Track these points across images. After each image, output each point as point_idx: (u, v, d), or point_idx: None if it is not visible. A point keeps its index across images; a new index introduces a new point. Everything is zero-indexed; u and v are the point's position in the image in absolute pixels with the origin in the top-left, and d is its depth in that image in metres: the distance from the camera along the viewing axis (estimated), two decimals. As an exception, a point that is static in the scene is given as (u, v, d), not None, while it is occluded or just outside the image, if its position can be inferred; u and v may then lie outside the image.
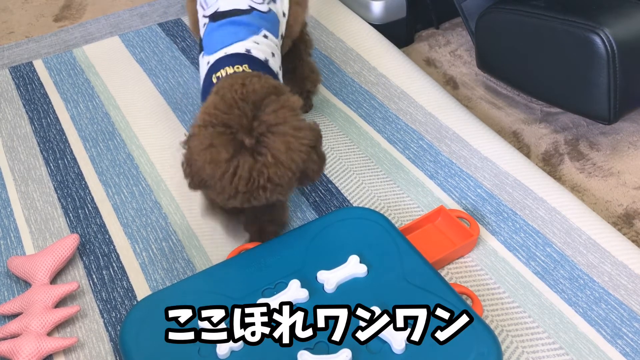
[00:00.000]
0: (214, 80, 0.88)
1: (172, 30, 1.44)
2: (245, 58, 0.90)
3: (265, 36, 0.95)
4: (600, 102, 1.05)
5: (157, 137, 1.15)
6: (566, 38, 1.06)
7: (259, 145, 0.76)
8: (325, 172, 1.06)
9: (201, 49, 0.97)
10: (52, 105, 1.24)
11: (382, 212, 0.97)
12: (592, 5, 1.07)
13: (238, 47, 0.91)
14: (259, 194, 0.77)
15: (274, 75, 0.92)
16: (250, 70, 0.87)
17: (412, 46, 1.44)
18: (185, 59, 1.34)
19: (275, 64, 0.95)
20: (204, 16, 1.00)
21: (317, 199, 1.01)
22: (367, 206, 1.00)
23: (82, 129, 1.18)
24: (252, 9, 0.97)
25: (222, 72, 0.88)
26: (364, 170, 1.06)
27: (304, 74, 1.13)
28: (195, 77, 1.29)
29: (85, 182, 1.07)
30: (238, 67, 0.87)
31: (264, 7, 0.98)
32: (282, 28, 1.03)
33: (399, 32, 1.42)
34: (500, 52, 1.20)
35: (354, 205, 1.00)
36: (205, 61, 0.93)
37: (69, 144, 1.15)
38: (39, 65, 1.35)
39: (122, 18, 1.51)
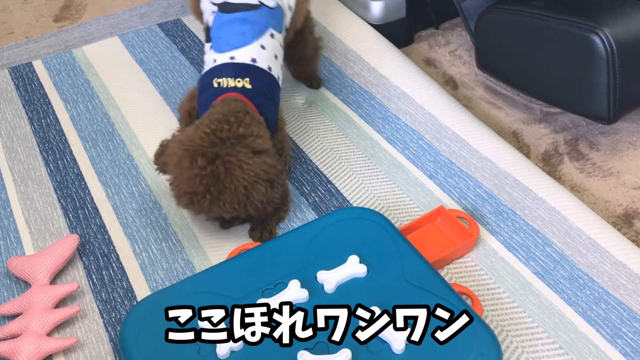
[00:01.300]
0: (215, 85, 0.94)
1: (172, 31, 1.44)
2: (249, 71, 0.95)
3: (272, 35, 0.99)
4: (600, 102, 1.05)
5: (157, 137, 1.15)
6: (566, 38, 1.06)
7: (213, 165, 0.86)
8: (325, 172, 1.06)
9: (208, 39, 1.01)
10: (51, 106, 1.24)
11: (381, 212, 0.97)
12: (592, 5, 1.07)
13: (244, 55, 0.96)
14: (204, 204, 0.87)
15: (274, 82, 0.98)
16: (249, 86, 0.94)
17: (411, 46, 1.44)
18: (184, 59, 1.34)
19: (277, 65, 1.00)
20: (213, 3, 1.02)
21: (316, 200, 1.01)
22: (366, 206, 1.00)
23: (82, 129, 1.18)
24: (261, 4, 0.99)
25: (223, 81, 0.94)
26: (363, 171, 1.06)
27: (309, 56, 1.19)
28: (195, 77, 1.29)
29: (85, 183, 1.07)
30: (239, 81, 0.94)
31: (272, 3, 1.01)
32: (287, 21, 1.06)
33: (398, 32, 1.42)
34: (499, 52, 1.20)
35: (353, 205, 1.00)
36: (212, 57, 0.98)
37: (68, 144, 1.15)
38: (38, 66, 1.35)
39: (121, 18, 1.51)
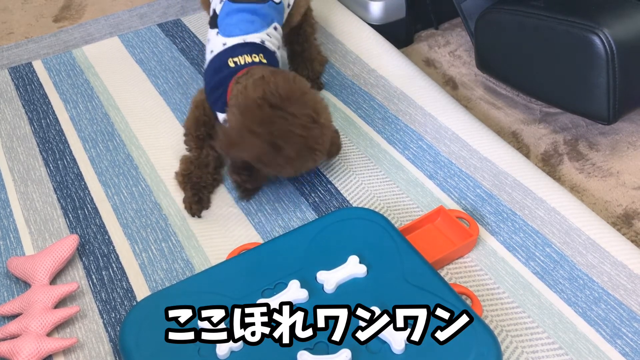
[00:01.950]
0: (231, 64, 0.97)
1: (172, 31, 1.44)
2: (261, 48, 0.99)
3: (275, 28, 1.03)
4: (600, 102, 1.05)
5: (157, 137, 1.15)
6: (565, 38, 1.06)
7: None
8: (325, 172, 1.06)
9: (214, 25, 1.04)
10: (51, 106, 1.24)
11: (381, 212, 0.97)
12: (592, 5, 1.07)
13: (254, 37, 1.00)
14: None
15: (278, 65, 1.02)
16: (265, 61, 0.98)
17: (411, 47, 1.44)
18: (184, 59, 1.34)
19: (279, 55, 1.04)
20: None
21: (316, 200, 1.02)
22: (366, 206, 1.00)
23: (82, 129, 1.18)
24: None
25: (240, 59, 0.97)
26: (363, 171, 1.06)
27: (312, 56, 1.21)
28: (195, 77, 1.29)
29: (85, 183, 1.07)
30: (255, 57, 0.97)
31: None
32: (284, 18, 1.09)
33: (398, 33, 1.42)
34: (499, 52, 1.20)
35: (353, 205, 1.00)
36: (221, 41, 1.01)
37: (68, 144, 1.15)
38: (38, 66, 1.35)
39: (121, 19, 1.51)
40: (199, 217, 0.99)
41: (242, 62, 0.97)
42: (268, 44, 1.00)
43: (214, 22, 1.04)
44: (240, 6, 1.02)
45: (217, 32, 1.02)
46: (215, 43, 1.01)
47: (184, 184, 1.01)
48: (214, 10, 1.05)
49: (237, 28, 1.00)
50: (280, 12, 1.05)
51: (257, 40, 0.99)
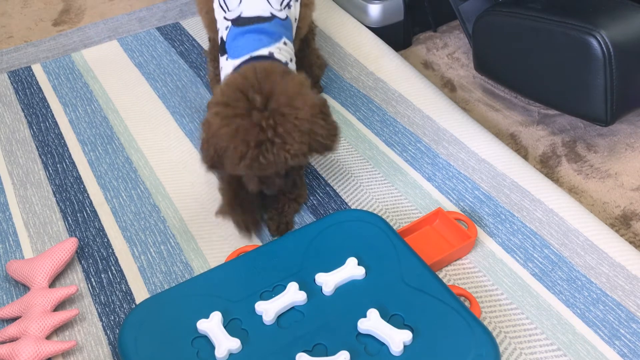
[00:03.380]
0: None
1: (171, 34, 1.44)
2: (269, 59, 0.96)
3: (285, 43, 1.01)
4: (597, 104, 1.05)
5: (156, 140, 1.16)
6: (563, 40, 1.06)
7: (267, 112, 0.83)
8: (324, 175, 1.06)
9: (223, 52, 1.02)
10: (50, 110, 1.24)
11: (380, 214, 0.97)
12: (589, 7, 1.07)
13: (262, 51, 0.97)
14: (268, 152, 0.82)
15: None
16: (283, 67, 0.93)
17: (409, 49, 1.45)
18: (183, 62, 1.35)
19: (293, 67, 1.00)
20: (226, 18, 1.04)
21: (315, 202, 1.02)
22: (365, 209, 1.00)
23: (81, 132, 1.18)
24: (273, 16, 1.01)
25: None
26: (362, 173, 1.06)
27: (312, 61, 1.20)
28: (194, 80, 1.30)
29: (84, 186, 1.07)
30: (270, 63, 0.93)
31: (282, 14, 1.03)
32: (293, 32, 1.08)
33: (396, 35, 1.42)
34: (497, 54, 1.21)
35: (352, 207, 1.00)
36: (231, 64, 0.98)
37: (67, 147, 1.15)
38: (37, 70, 1.35)
39: (120, 22, 1.51)
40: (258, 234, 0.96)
41: None
42: (278, 56, 0.97)
43: (222, 49, 1.02)
44: (246, 29, 1.00)
45: (227, 57, 1.00)
46: (226, 68, 0.99)
47: (231, 214, 0.96)
48: (222, 38, 1.04)
49: (244, 49, 0.98)
50: (288, 28, 1.03)
51: (265, 53, 0.97)
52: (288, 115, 0.83)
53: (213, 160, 0.87)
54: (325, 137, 0.88)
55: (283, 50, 1.00)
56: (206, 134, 0.86)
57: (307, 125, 0.84)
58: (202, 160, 0.88)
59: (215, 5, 1.08)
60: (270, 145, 0.82)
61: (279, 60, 0.96)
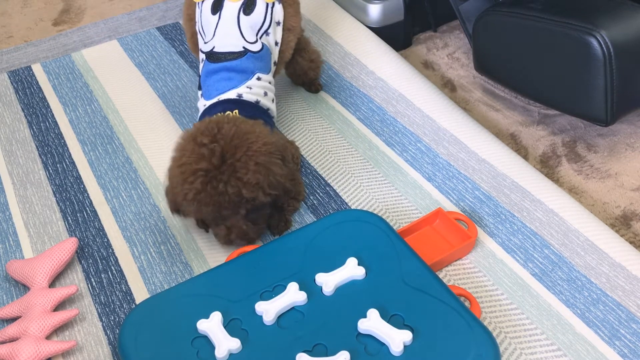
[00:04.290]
0: None
1: (171, 34, 1.44)
2: (237, 103, 0.96)
3: (259, 78, 1.01)
4: (598, 104, 1.05)
5: (156, 140, 1.16)
6: (563, 40, 1.06)
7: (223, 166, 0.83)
8: (324, 175, 1.06)
9: (199, 87, 1.03)
10: (50, 109, 1.24)
11: (380, 214, 0.97)
12: (589, 7, 1.07)
13: (230, 94, 0.98)
14: (218, 182, 0.81)
15: (263, 112, 0.99)
16: (238, 116, 0.93)
17: (410, 49, 1.45)
18: (183, 62, 1.35)
19: (268, 100, 1.01)
20: (201, 51, 1.05)
21: (315, 202, 1.02)
22: (365, 209, 1.00)
23: (81, 132, 1.18)
24: (246, 50, 1.01)
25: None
26: (362, 173, 1.06)
27: (305, 68, 1.19)
28: (194, 80, 1.30)
29: (84, 186, 1.07)
30: (229, 113, 0.93)
31: (256, 47, 1.03)
32: (275, 56, 1.08)
33: (396, 35, 1.42)
34: (497, 54, 1.21)
35: (352, 207, 1.00)
36: (202, 104, 1.00)
37: (67, 147, 1.15)
38: (37, 69, 1.35)
39: (120, 22, 1.51)
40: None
41: None
42: (247, 96, 0.97)
43: (199, 84, 1.04)
44: (217, 66, 1.00)
45: (201, 94, 1.01)
46: (200, 105, 1.01)
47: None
48: (200, 69, 1.05)
49: (214, 89, 0.99)
50: (263, 59, 1.03)
51: (233, 96, 0.97)
52: (239, 146, 0.82)
53: (175, 205, 0.89)
54: (285, 178, 0.87)
55: (255, 87, 1.00)
56: (167, 181, 0.89)
57: (263, 158, 0.83)
58: (168, 206, 0.91)
59: (197, 28, 1.08)
60: (218, 173, 0.81)
61: (247, 102, 0.97)
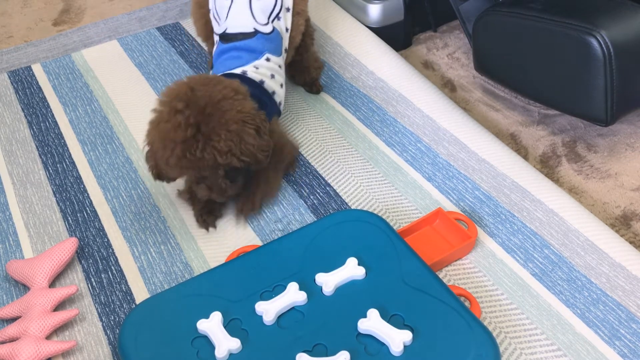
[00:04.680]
0: None
1: (171, 34, 1.44)
2: (239, 77, 0.98)
3: (268, 59, 1.03)
4: (597, 104, 1.05)
5: (156, 140, 1.16)
6: (563, 40, 1.06)
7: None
8: (324, 175, 1.06)
9: (211, 66, 1.06)
10: (50, 109, 1.24)
11: (380, 214, 0.97)
12: (589, 7, 1.07)
13: (236, 70, 1.00)
14: (195, 149, 0.85)
15: (266, 93, 1.01)
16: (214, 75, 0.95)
17: (410, 49, 1.45)
18: (183, 62, 1.35)
19: (275, 83, 1.03)
20: (216, 34, 1.08)
21: (315, 202, 1.02)
22: (365, 209, 1.00)
23: (81, 132, 1.18)
24: (257, 31, 1.04)
25: None
26: (362, 173, 1.06)
27: (309, 64, 1.22)
28: (194, 80, 1.30)
29: (84, 186, 1.07)
30: (204, 74, 0.95)
31: (267, 29, 1.05)
32: (286, 42, 1.10)
33: (396, 35, 1.42)
34: (497, 54, 1.21)
35: (352, 207, 1.00)
36: None
37: (67, 147, 1.15)
38: (37, 69, 1.35)
39: (120, 22, 1.51)
40: (214, 227, 0.97)
41: None
42: (251, 74, 1.00)
43: (211, 62, 1.06)
44: (229, 46, 1.03)
45: (211, 72, 1.03)
46: None
47: (191, 200, 1.00)
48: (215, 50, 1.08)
49: (222, 67, 1.02)
50: (274, 41, 1.05)
51: (238, 72, 1.00)
52: (212, 114, 0.85)
53: (155, 168, 0.92)
54: (257, 149, 0.90)
55: (262, 68, 1.02)
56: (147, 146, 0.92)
57: (236, 126, 0.86)
58: (149, 170, 0.94)
59: (211, 16, 1.10)
60: (195, 142, 0.85)
61: (249, 79, 0.99)
